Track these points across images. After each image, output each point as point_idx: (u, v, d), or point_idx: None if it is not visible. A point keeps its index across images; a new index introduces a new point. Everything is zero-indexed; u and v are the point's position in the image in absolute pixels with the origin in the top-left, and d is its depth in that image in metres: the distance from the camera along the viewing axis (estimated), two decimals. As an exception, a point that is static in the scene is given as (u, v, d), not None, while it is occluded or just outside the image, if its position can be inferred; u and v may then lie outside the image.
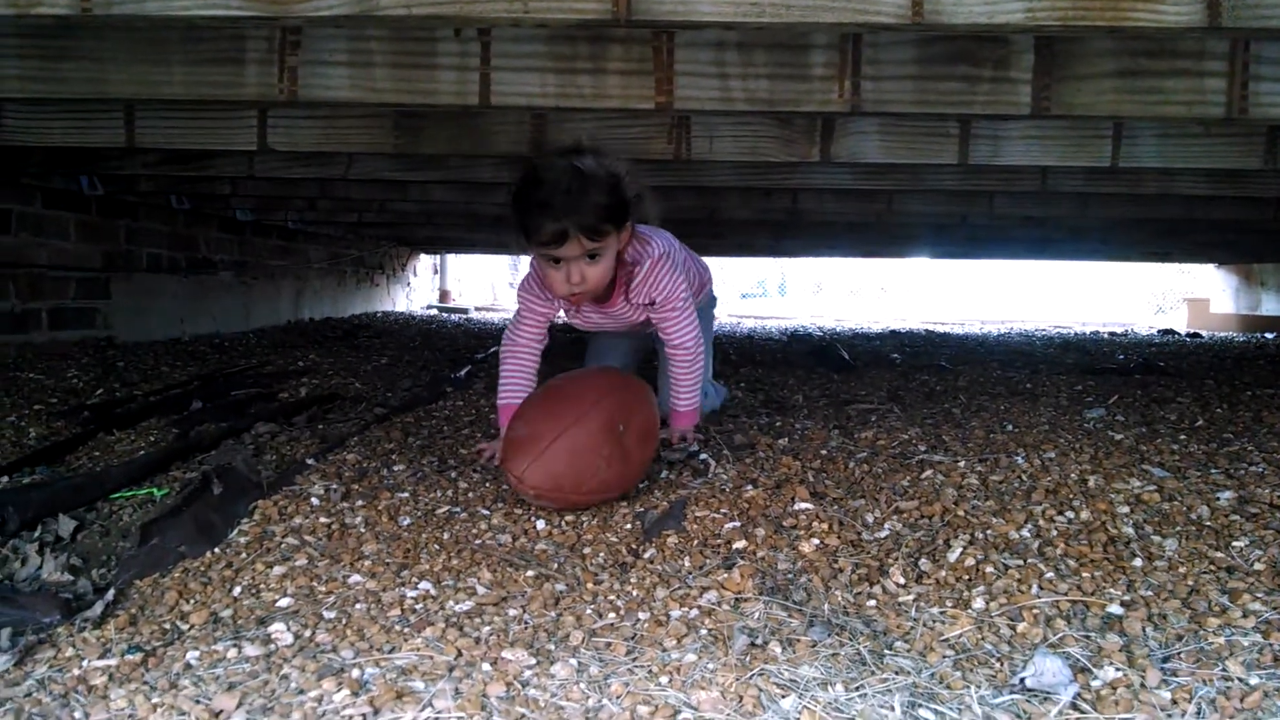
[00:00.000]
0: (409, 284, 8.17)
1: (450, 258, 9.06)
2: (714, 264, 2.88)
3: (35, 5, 1.40)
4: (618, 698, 1.07)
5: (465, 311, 8.24)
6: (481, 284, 10.26)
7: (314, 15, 1.41)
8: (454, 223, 5.23)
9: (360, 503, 1.88)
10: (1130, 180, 2.91)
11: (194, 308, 4.67)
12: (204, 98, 1.87)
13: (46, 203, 3.60)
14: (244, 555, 1.64)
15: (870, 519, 1.65)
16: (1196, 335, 6.86)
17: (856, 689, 1.07)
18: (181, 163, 3.13)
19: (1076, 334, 6.80)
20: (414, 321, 6.94)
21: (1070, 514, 1.63)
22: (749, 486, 1.82)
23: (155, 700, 1.13)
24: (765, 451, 2.15)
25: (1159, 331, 7.25)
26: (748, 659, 1.15)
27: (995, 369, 3.90)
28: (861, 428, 2.40)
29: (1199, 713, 1.02)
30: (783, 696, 1.05)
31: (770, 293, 25.09)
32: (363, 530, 1.73)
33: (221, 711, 1.09)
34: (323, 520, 1.79)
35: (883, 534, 1.58)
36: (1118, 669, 1.11)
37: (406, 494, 1.94)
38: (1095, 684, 1.08)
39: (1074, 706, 1.03)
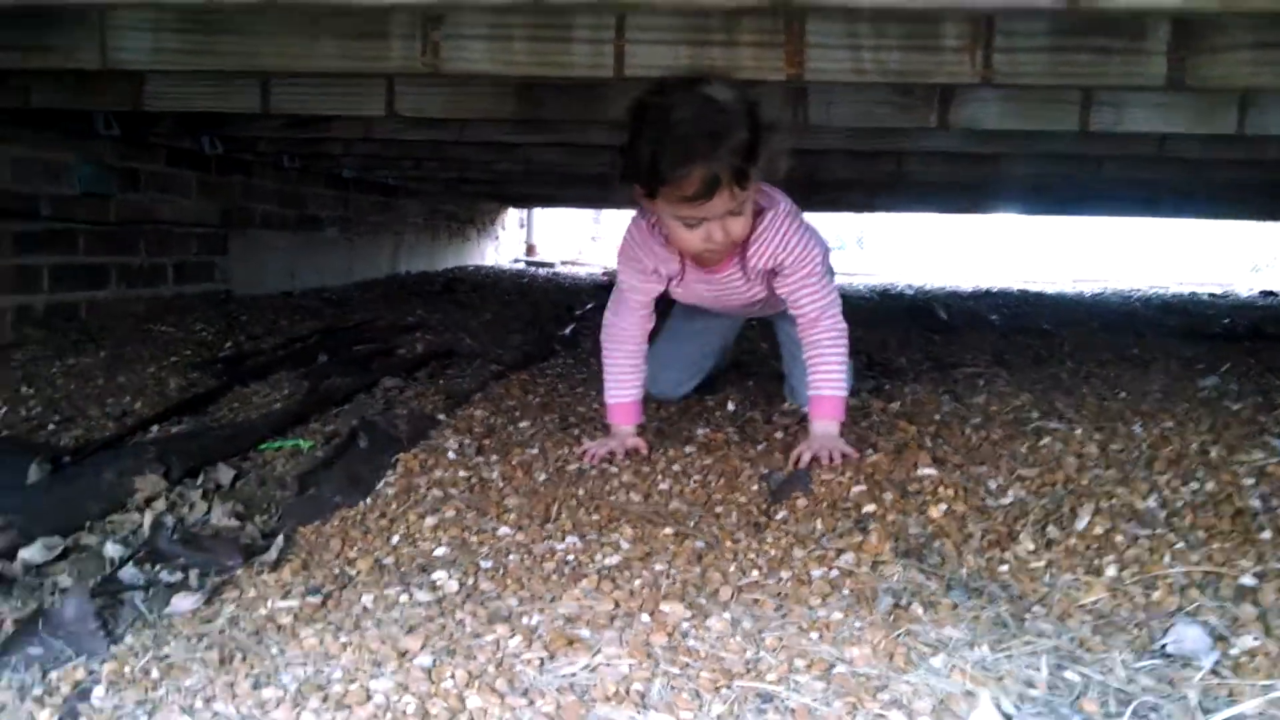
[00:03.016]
0: (497, 238, 8.30)
1: (537, 211, 9.16)
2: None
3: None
4: (773, 650, 1.15)
5: (551, 266, 8.35)
6: (565, 237, 10.36)
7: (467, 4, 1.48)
8: (551, 180, 5.31)
9: (494, 458, 1.98)
10: (1251, 147, 2.85)
11: (302, 262, 4.84)
12: (349, 70, 1.96)
13: (169, 161, 3.76)
14: (394, 506, 1.75)
15: (993, 485, 1.70)
16: (1300, 297, 6.66)
17: (1002, 650, 1.13)
18: (302, 125, 3.24)
19: (1175, 295, 6.66)
20: (505, 275, 7.07)
21: (1195, 485, 1.66)
22: (870, 451, 1.88)
23: (343, 640, 1.23)
24: (879, 415, 2.20)
25: (1261, 293, 7.05)
26: (892, 618, 1.22)
27: (1098, 332, 3.86)
28: (971, 393, 2.43)
29: (1339, 683, 1.06)
30: (931, 655, 1.12)
31: (848, 246, 24.82)
32: (501, 485, 1.83)
33: (407, 651, 1.19)
34: (461, 474, 1.89)
35: (1007, 500, 1.63)
36: (1255, 638, 1.15)
37: (535, 450, 2.04)
38: (1234, 651, 1.13)
39: (1214, 672, 1.08)
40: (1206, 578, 1.32)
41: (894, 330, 3.87)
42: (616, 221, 10.24)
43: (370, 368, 2.89)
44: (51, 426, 2.30)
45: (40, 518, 1.69)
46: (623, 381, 2.00)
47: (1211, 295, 6.68)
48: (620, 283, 1.99)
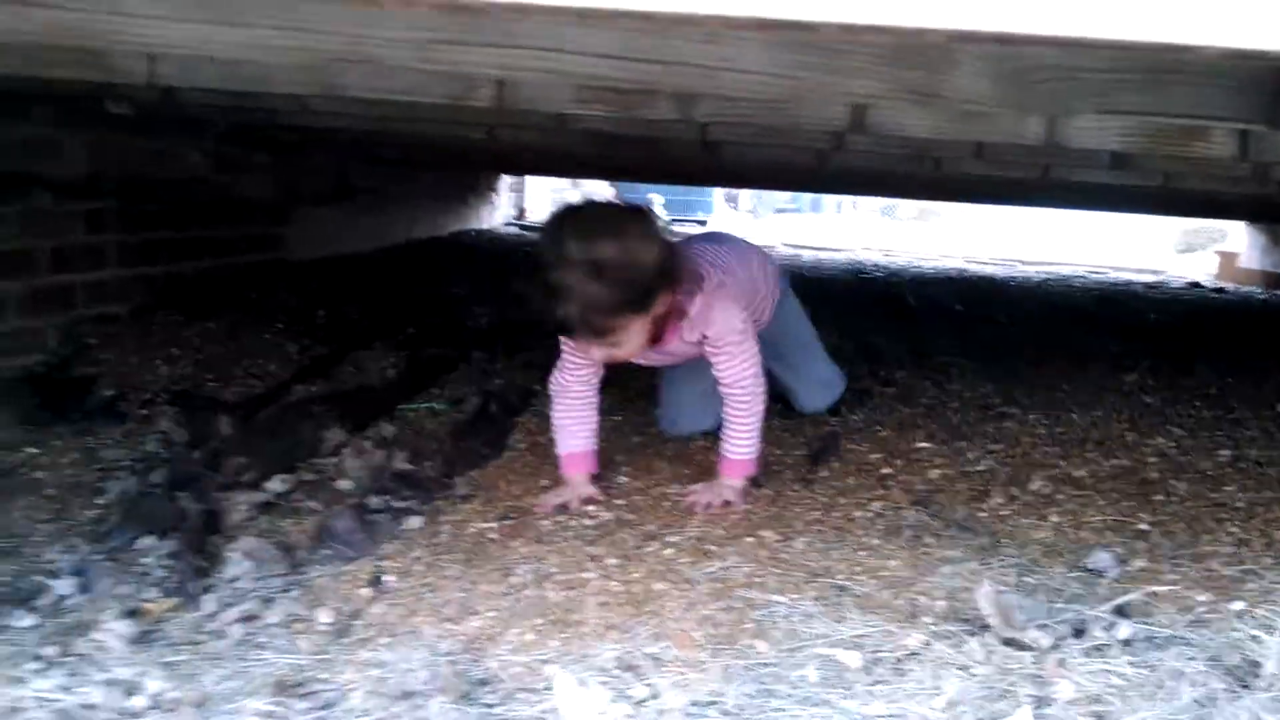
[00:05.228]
0: (492, 203, 8.81)
1: (528, 178, 9.66)
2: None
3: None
4: (838, 561, 1.78)
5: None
6: (550, 200, 10.85)
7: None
8: (551, 157, 5.83)
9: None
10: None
11: (342, 230, 5.35)
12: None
13: (245, 144, 4.24)
14: (529, 458, 2.34)
15: (971, 456, 2.34)
16: (1222, 290, 7.44)
17: (984, 565, 1.77)
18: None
19: (1112, 283, 7.40)
20: (506, 240, 7.61)
21: (1114, 461, 2.32)
22: (878, 427, 2.51)
23: (545, 549, 1.84)
24: (879, 399, 2.84)
25: (1187, 284, 7.82)
26: (913, 544, 1.85)
27: (1046, 325, 4.55)
28: (948, 380, 3.08)
29: (1188, 587, 1.72)
30: (941, 566, 1.76)
31: (804, 208, 25.68)
32: (605, 446, 2.42)
33: (597, 556, 1.79)
34: (571, 435, 2.48)
35: (982, 467, 2.28)
36: (1144, 561, 1.80)
37: (620, 418, 2.63)
38: (1129, 569, 1.78)
39: (1117, 581, 1.73)
40: (1117, 524, 1.98)
41: (873, 317, 4.51)
42: (594, 186, 10.78)
43: (458, 339, 3.43)
44: (210, 384, 2.85)
45: (257, 461, 2.25)
46: (572, 431, 2.09)
47: (1145, 286, 7.43)
48: (562, 347, 2.06)
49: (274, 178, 4.52)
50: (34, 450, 2.30)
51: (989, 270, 7.74)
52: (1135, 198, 4.34)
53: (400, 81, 1.55)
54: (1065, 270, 8.23)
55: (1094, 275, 7.98)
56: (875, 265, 7.57)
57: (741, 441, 2.04)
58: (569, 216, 1.86)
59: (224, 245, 4.08)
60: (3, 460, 2.24)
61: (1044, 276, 7.61)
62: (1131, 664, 1.37)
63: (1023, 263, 8.93)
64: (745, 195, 21.27)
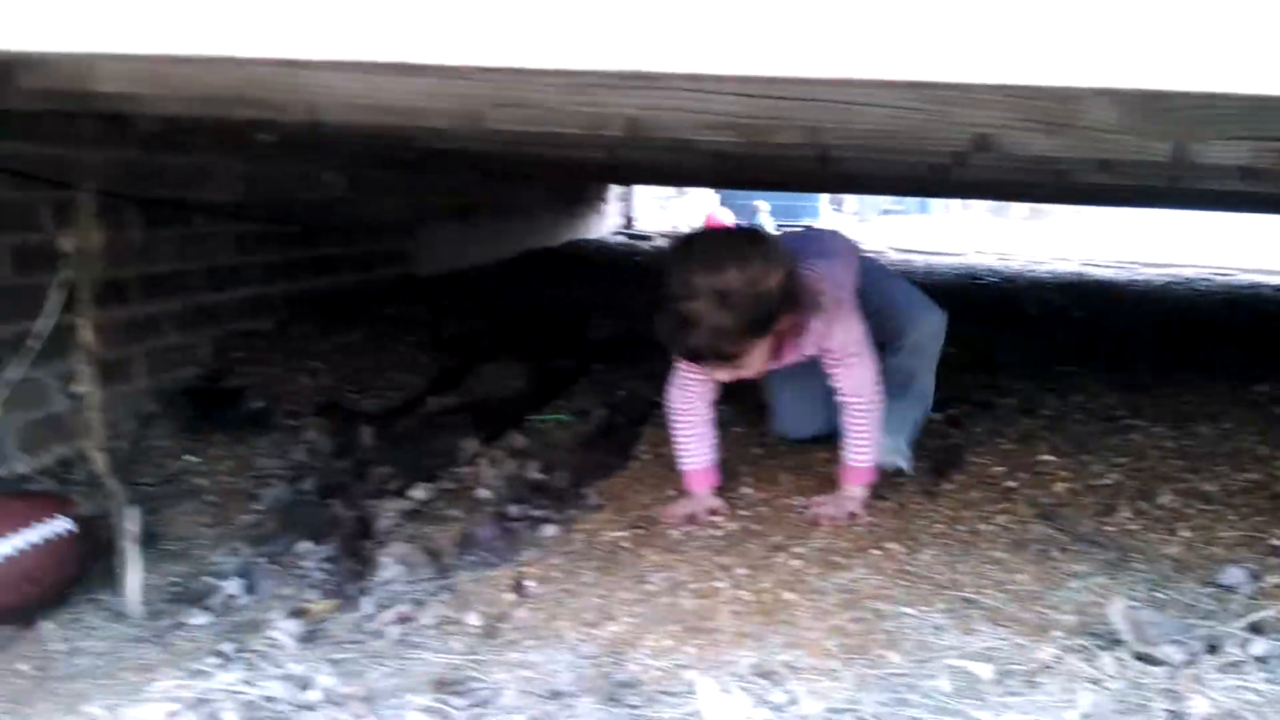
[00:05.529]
0: (603, 213, 8.96)
1: (636, 187, 9.79)
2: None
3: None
4: (965, 574, 1.81)
5: (649, 238, 8.98)
6: (656, 208, 10.97)
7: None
8: (664, 169, 5.93)
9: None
10: None
11: (463, 243, 5.55)
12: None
13: (376, 165, 4.44)
14: (655, 468, 2.42)
15: (1096, 469, 2.34)
16: (1362, 292, 7.09)
17: (1114, 580, 1.78)
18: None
19: (1239, 285, 7.13)
20: (617, 250, 7.74)
21: (1245, 475, 2.29)
22: (999, 439, 2.52)
23: (675, 557, 1.91)
24: (1000, 410, 2.84)
25: (1323, 285, 7.48)
26: (1040, 558, 1.88)
27: (1170, 331, 4.44)
28: (1070, 391, 3.05)
29: (1330, 607, 1.70)
30: (1069, 580, 1.78)
31: (911, 210, 25.20)
32: (727, 456, 2.49)
33: (727, 565, 1.86)
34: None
35: (1107, 481, 2.27)
36: (1278, 578, 1.79)
37: (740, 429, 2.69)
38: (1263, 584, 1.77)
39: (1250, 597, 1.72)
40: (1249, 539, 1.96)
41: (991, 326, 4.46)
42: (696, 193, 10.88)
43: (572, 351, 3.55)
44: (350, 395, 3.01)
45: (399, 470, 2.39)
46: (691, 450, 2.15)
47: (1276, 288, 7.13)
48: (679, 365, 2.10)
49: (404, 196, 4.72)
50: (193, 458, 2.48)
51: (1107, 273, 7.55)
52: (1268, 201, 4.21)
53: (542, 116, 1.65)
54: (1188, 272, 7.96)
55: (1220, 277, 7.70)
56: (989, 270, 7.45)
57: (863, 449, 2.09)
58: (693, 245, 1.90)
59: (356, 261, 4.28)
60: (167, 467, 2.43)
61: (1166, 279, 7.38)
62: (1267, 680, 1.38)
63: (1143, 265, 8.66)
64: (850, 198, 21.04)
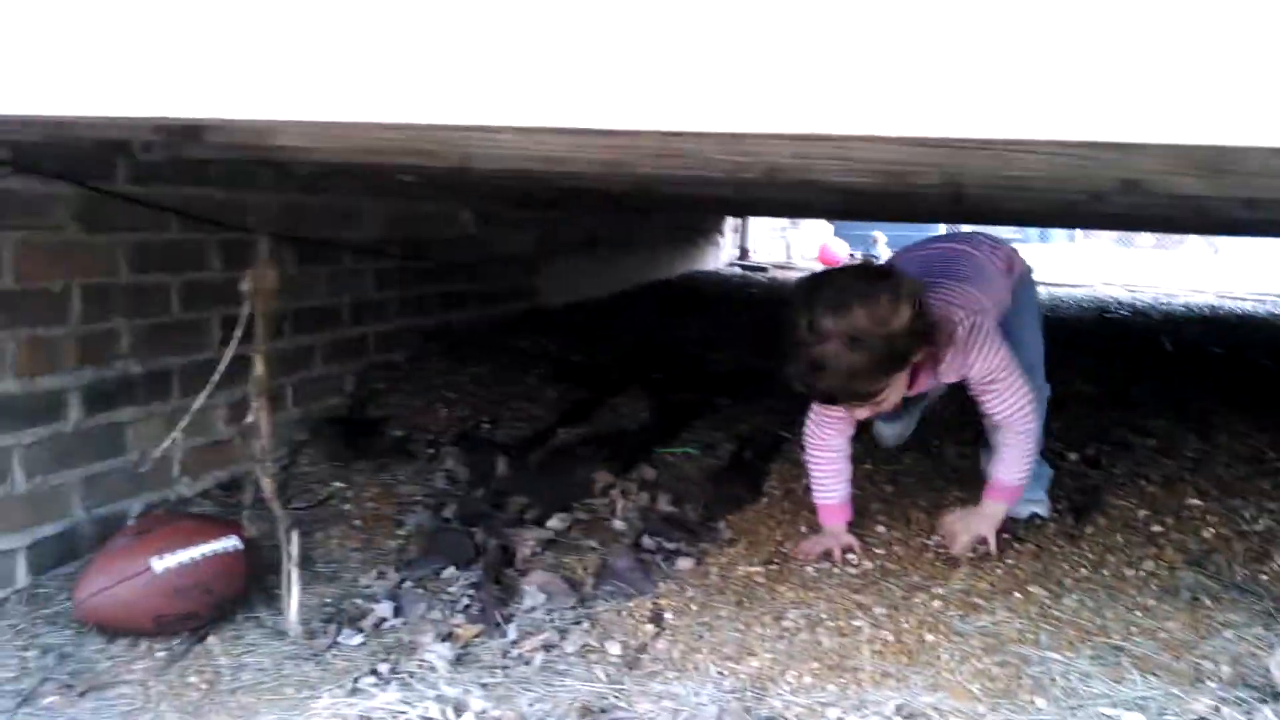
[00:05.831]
0: (717, 244, 9.02)
1: (751, 219, 9.83)
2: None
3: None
4: (1112, 620, 1.78)
5: (765, 270, 8.99)
6: (770, 239, 10.97)
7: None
8: (780, 201, 5.95)
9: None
10: None
11: (583, 276, 5.67)
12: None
13: (508, 203, 4.59)
14: (786, 503, 2.44)
15: (1247, 514, 2.26)
16: None
17: (1269, 629, 1.73)
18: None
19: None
20: (731, 281, 7.78)
21: None
22: (1141, 481, 2.46)
23: (811, 594, 1.93)
24: (1140, 450, 2.77)
25: None
26: (1191, 606, 1.83)
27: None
28: (1213, 430, 2.95)
29: None
30: (1223, 630, 1.73)
31: (1032, 238, 24.53)
32: (858, 494, 2.49)
33: (863, 604, 1.87)
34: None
35: (1259, 527, 2.20)
36: None
37: (870, 465, 2.68)
38: None
39: None
40: None
41: (1124, 360, 4.34)
42: (810, 224, 10.83)
43: (693, 384, 3.59)
44: (485, 426, 3.11)
45: (536, 499, 2.46)
46: (827, 485, 2.16)
47: None
48: (816, 408, 2.10)
49: (531, 231, 4.85)
50: (340, 484, 2.60)
51: (1245, 306, 7.25)
52: None
53: (692, 163, 1.70)
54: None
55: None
56: (1118, 302, 7.24)
57: (1017, 467, 2.04)
58: (819, 287, 1.86)
59: (485, 296, 4.41)
60: (317, 492, 2.56)
61: (1309, 313, 7.05)
62: None
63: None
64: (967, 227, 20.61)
